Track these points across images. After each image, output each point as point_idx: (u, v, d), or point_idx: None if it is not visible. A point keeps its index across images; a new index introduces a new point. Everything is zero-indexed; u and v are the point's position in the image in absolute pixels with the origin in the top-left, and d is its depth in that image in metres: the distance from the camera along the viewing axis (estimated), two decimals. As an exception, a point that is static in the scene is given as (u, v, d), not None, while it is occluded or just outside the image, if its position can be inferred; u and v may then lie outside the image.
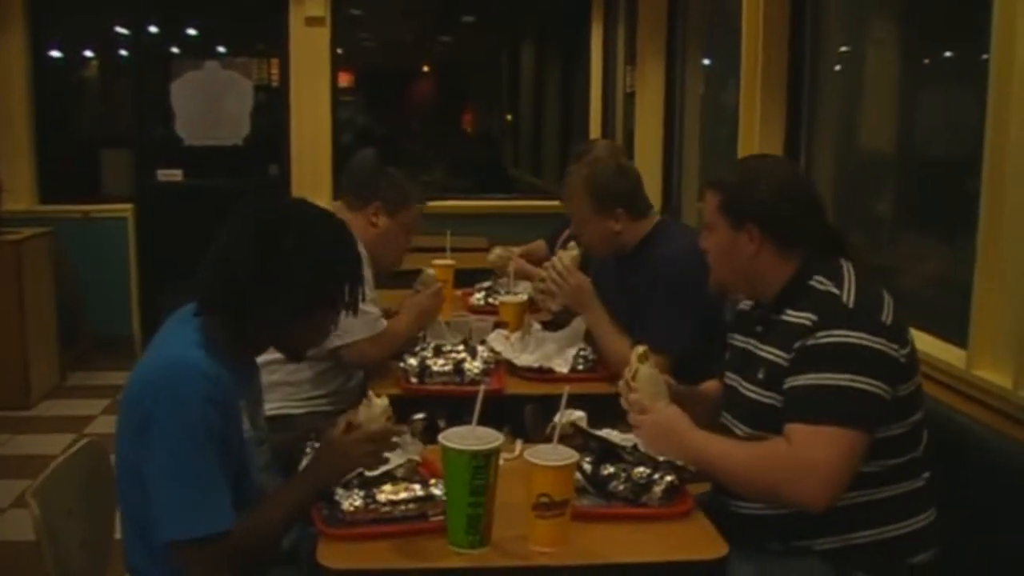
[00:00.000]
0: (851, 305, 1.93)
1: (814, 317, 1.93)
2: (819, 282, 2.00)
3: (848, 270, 2.01)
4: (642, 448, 2.05)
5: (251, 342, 1.98)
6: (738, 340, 2.20)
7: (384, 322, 2.96)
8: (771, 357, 2.01)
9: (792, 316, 1.99)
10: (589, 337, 2.98)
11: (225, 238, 1.90)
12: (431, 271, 3.35)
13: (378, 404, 1.97)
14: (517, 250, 4.31)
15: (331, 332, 2.04)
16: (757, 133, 3.75)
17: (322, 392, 2.93)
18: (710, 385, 2.38)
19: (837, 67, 3.80)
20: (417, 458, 2.01)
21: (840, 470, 1.84)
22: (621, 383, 2.14)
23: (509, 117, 10.12)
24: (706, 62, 5.49)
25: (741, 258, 2.09)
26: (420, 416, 2.13)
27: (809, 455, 1.84)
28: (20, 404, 5.37)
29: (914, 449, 1.98)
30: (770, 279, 2.07)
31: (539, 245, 4.46)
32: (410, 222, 3.19)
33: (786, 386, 1.94)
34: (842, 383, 1.86)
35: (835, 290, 1.96)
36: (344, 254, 1.95)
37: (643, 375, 2.10)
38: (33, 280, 5.53)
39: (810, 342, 1.91)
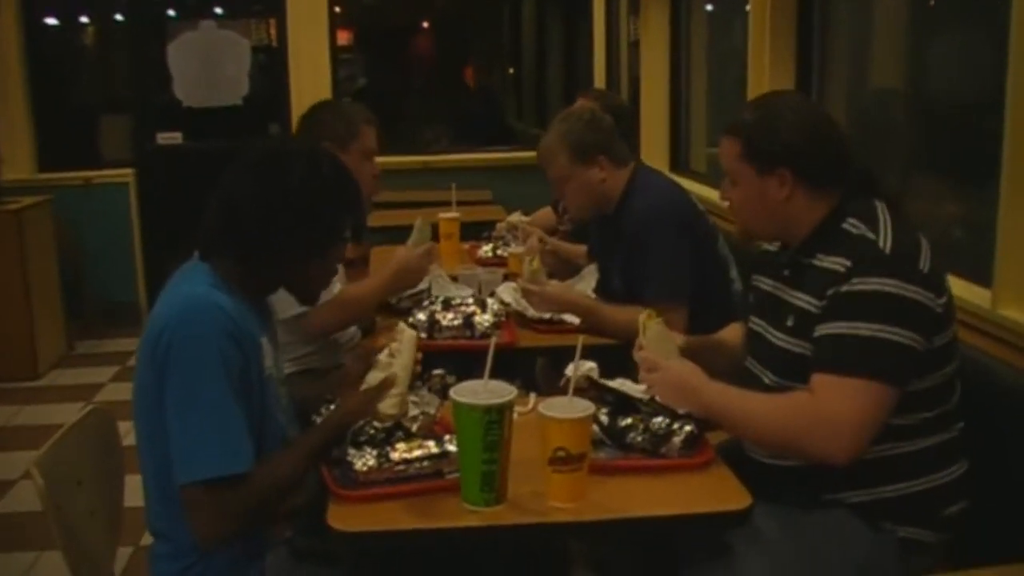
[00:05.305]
0: (887, 251, 1.82)
1: (848, 263, 1.83)
2: (853, 225, 1.89)
3: (883, 212, 1.90)
4: (659, 400, 2.00)
5: (263, 282, 1.95)
6: (764, 283, 2.10)
7: (339, 285, 2.75)
8: (801, 304, 1.92)
9: (824, 261, 1.89)
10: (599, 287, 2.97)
11: (228, 183, 1.87)
12: (423, 223, 2.98)
13: (408, 335, 1.96)
14: (526, 219, 4.23)
15: (338, 267, 2.02)
16: (767, 76, 3.67)
17: (312, 349, 2.76)
18: (729, 332, 2.31)
19: (848, 5, 3.71)
20: (432, 411, 1.96)
21: (864, 424, 1.76)
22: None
23: (511, 70, 10.00)
24: (710, 7, 5.38)
25: (771, 204, 1.95)
26: (438, 372, 2.10)
27: (833, 407, 1.76)
28: (28, 375, 5.36)
29: (948, 401, 1.91)
30: (802, 222, 1.95)
31: (546, 212, 4.38)
32: (368, 147, 2.93)
33: (816, 334, 1.85)
34: (874, 333, 1.77)
35: (870, 234, 1.85)
36: (348, 184, 1.94)
37: (652, 332, 2.04)
38: (35, 249, 5.48)
39: (844, 288, 1.82)
